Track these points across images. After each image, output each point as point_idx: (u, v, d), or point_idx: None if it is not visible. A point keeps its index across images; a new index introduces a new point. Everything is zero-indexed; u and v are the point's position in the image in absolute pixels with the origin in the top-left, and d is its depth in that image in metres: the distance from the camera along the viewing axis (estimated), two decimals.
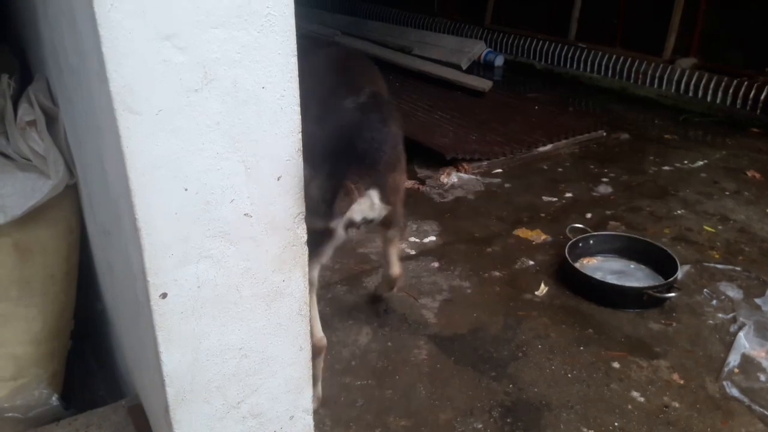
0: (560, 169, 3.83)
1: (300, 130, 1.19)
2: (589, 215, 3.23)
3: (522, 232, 3.07)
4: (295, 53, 1.13)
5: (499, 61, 6.17)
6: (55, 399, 1.81)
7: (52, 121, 1.71)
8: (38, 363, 1.82)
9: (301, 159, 1.22)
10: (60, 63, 1.52)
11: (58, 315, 1.85)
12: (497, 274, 2.73)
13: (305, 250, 1.30)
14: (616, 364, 2.18)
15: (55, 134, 1.70)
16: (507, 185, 3.60)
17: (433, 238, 3.02)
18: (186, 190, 1.10)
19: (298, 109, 1.18)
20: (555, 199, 3.43)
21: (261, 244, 1.23)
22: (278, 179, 1.21)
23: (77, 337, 2.00)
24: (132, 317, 1.43)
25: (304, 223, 1.28)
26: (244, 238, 1.20)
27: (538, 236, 3.02)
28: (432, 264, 2.80)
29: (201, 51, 1.04)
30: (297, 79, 1.16)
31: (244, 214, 1.18)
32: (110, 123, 1.04)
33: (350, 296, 2.57)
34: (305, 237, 1.29)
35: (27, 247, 1.75)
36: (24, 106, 1.67)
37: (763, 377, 2.12)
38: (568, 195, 3.47)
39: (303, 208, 1.27)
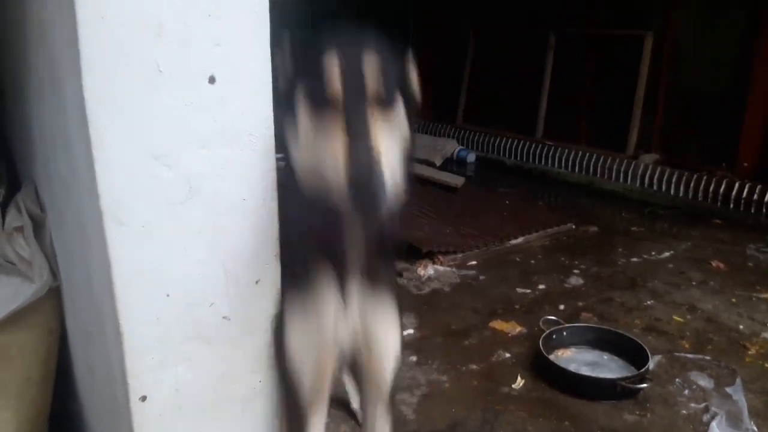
0: (532, 261, 3.94)
1: (278, 236, 1.28)
2: (562, 306, 3.31)
3: (497, 324, 3.12)
4: (274, 167, 1.24)
5: (471, 157, 6.43)
6: None
7: (38, 226, 1.78)
8: None
9: (278, 264, 1.30)
10: (50, 172, 1.61)
11: (33, 418, 1.84)
12: (474, 367, 2.76)
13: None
14: None
15: (41, 239, 1.76)
16: (482, 277, 3.69)
17: (410, 331, 3.06)
18: (168, 295, 1.16)
19: (276, 216, 1.27)
20: (528, 290, 3.51)
21: (238, 345, 1.28)
22: (256, 283, 1.28)
23: None
24: (110, 418, 1.44)
25: None
26: (222, 339, 1.25)
27: (514, 328, 3.08)
28: (410, 358, 2.82)
29: (187, 167, 1.14)
30: (275, 189, 1.26)
31: (223, 317, 1.24)
32: (98, 233, 1.11)
33: None
34: None
35: (5, 349, 1.76)
36: (12, 212, 1.74)
37: None
38: (541, 287, 3.56)
39: (278, 309, 1.33)
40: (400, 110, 1.08)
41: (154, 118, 1.09)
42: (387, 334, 1.32)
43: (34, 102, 1.62)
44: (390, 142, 1.02)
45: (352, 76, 1.01)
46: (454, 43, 7.03)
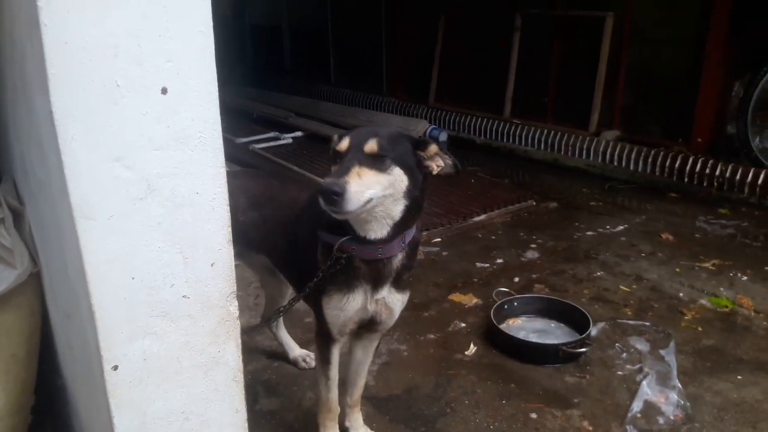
0: (493, 237, 4.16)
1: (229, 224, 1.46)
2: (516, 279, 3.53)
3: (456, 297, 3.34)
4: (224, 165, 1.41)
5: (443, 136, 6.60)
6: None
7: (18, 217, 1.94)
8: None
9: (231, 248, 1.48)
10: (27, 170, 1.77)
11: (19, 392, 2.02)
12: (432, 336, 2.98)
13: (237, 324, 1.54)
14: (533, 415, 2.42)
15: (21, 229, 1.92)
16: (444, 253, 3.90)
17: None
18: (133, 278, 1.34)
19: (227, 207, 1.45)
20: (487, 264, 3.73)
21: (198, 320, 1.46)
22: (212, 265, 1.46)
23: (37, 411, 2.15)
24: (88, 388, 1.63)
25: (236, 301, 1.53)
26: (182, 316, 1.44)
27: (470, 300, 3.30)
28: None
29: (145, 168, 1.31)
30: (225, 184, 1.43)
31: (183, 296, 1.43)
32: (70, 226, 1.29)
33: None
34: (237, 313, 1.53)
35: None
36: None
37: (661, 420, 2.38)
38: (499, 261, 3.78)
39: (234, 288, 1.52)
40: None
41: (115, 126, 1.25)
42: (397, 311, 2.10)
43: (9, 104, 1.78)
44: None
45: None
46: (425, 25, 7.16)
